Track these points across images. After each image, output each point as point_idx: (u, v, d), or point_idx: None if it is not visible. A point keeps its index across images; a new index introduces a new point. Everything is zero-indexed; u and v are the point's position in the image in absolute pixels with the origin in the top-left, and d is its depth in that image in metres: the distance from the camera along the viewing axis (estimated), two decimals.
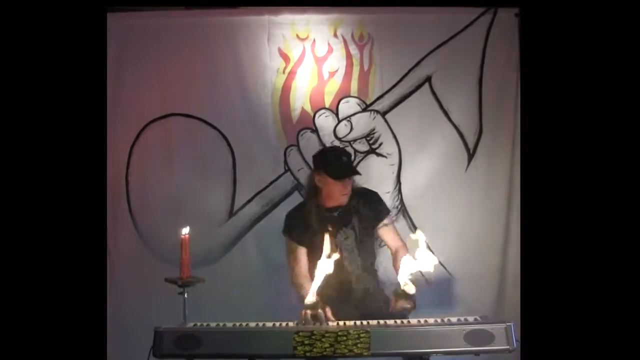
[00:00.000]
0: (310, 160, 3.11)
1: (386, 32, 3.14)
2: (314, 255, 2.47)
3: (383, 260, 2.68)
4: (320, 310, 2.08)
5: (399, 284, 2.19)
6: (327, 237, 2.18)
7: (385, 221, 2.59)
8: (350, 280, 2.52)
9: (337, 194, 2.50)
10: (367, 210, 2.55)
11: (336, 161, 2.50)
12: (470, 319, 2.04)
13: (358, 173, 2.54)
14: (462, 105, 3.16)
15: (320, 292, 2.12)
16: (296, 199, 3.13)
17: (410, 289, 2.16)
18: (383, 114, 3.15)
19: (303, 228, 2.52)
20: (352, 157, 2.58)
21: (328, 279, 2.15)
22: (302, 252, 2.51)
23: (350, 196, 2.53)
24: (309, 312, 2.07)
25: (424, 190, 3.17)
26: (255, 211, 3.15)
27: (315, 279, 2.11)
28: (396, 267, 2.43)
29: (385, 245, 2.63)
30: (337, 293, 2.37)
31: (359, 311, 2.41)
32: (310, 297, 2.09)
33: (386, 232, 2.59)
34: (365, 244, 2.57)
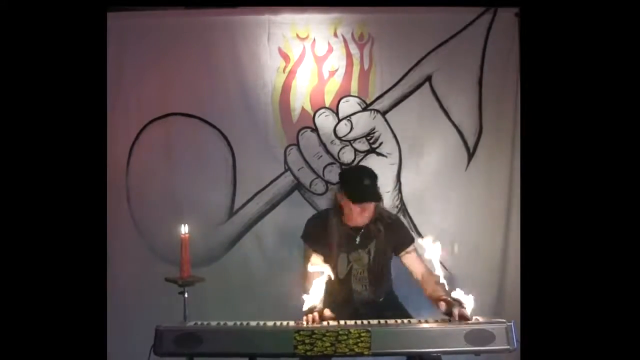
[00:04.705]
0: (310, 160, 3.13)
1: (386, 31, 3.13)
2: (329, 263, 2.42)
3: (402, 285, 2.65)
4: (315, 314, 2.07)
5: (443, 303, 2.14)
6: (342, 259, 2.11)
7: (408, 249, 2.52)
8: (353, 298, 2.50)
9: (355, 216, 2.43)
10: (387, 237, 2.50)
11: (357, 184, 2.42)
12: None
13: (379, 199, 2.46)
14: (462, 105, 3.16)
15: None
16: (296, 198, 3.14)
17: (462, 295, 2.11)
18: (383, 114, 3.14)
19: (322, 238, 2.48)
20: (377, 179, 2.46)
21: (333, 294, 2.12)
22: (319, 260, 2.43)
23: (374, 220, 2.47)
24: (309, 317, 2.07)
25: (424, 190, 3.17)
26: (255, 211, 3.15)
27: (312, 290, 2.12)
28: (426, 291, 2.36)
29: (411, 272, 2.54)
30: (339, 307, 2.35)
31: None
32: (307, 304, 2.09)
33: (409, 260, 2.51)
34: (377, 269, 2.52)
